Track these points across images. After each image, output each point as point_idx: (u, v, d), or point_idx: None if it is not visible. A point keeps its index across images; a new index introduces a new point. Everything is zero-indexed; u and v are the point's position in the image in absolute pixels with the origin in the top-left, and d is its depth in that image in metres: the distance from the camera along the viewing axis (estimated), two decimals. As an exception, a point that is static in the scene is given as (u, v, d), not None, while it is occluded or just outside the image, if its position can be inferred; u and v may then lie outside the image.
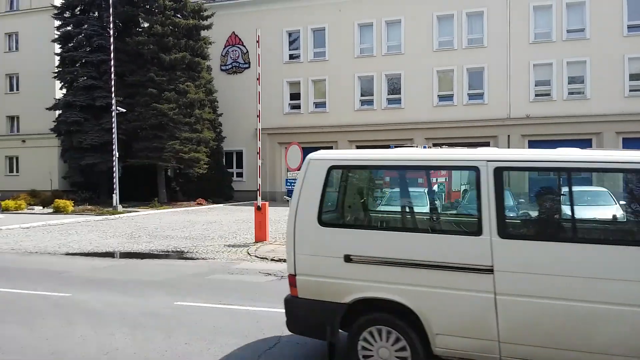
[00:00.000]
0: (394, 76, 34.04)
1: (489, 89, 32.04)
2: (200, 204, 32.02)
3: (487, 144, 33.87)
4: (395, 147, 23.60)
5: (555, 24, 31.11)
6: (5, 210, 27.32)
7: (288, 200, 19.50)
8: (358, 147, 34.74)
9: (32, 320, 7.75)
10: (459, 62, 32.44)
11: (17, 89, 38.82)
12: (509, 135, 31.41)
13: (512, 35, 31.50)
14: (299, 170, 17.08)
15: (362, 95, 34.86)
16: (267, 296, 9.16)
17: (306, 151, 19.68)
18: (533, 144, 31.46)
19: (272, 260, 12.80)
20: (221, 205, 32.57)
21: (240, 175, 37.42)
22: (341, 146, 34.30)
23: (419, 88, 33.09)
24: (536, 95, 31.44)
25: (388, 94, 34.28)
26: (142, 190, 32.73)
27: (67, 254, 14.40)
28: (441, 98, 33.12)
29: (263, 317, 7.78)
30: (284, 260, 12.61)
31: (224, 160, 36.14)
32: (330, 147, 34.87)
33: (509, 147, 31.36)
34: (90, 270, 12.03)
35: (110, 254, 14.50)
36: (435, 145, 31.61)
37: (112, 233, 18.88)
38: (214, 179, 34.34)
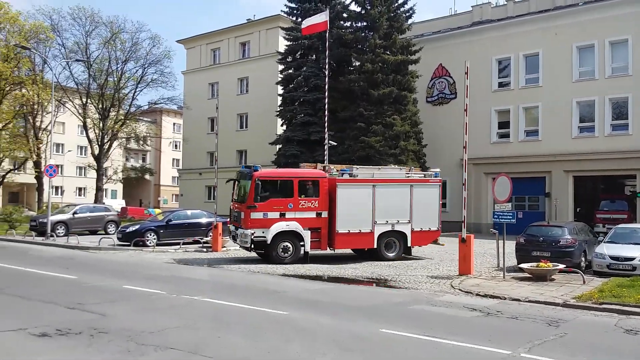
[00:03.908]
0: (620, 100, 30.54)
1: None
2: (404, 234, 32.24)
3: None
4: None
5: None
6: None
7: (495, 233, 18.65)
8: (575, 178, 31.82)
9: (254, 333, 8.63)
10: None
11: (246, 127, 44.15)
12: None
13: None
14: (507, 202, 16.25)
15: (580, 121, 31.91)
16: (472, 332, 8.86)
17: (515, 182, 18.61)
18: None
19: (477, 295, 12.33)
20: (425, 236, 32.37)
21: (443, 205, 36.56)
22: (555, 177, 31.75)
23: (652, 112, 29.16)
24: None
25: (612, 120, 30.86)
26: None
27: (283, 275, 15.74)
28: (681, 122, 28.67)
29: (470, 353, 7.53)
30: (490, 296, 12.07)
31: (428, 191, 35.95)
32: (543, 178, 32.55)
33: None
34: (303, 291, 12.97)
35: (319, 277, 15.45)
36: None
37: (322, 257, 20.09)
38: (417, 210, 34.43)
